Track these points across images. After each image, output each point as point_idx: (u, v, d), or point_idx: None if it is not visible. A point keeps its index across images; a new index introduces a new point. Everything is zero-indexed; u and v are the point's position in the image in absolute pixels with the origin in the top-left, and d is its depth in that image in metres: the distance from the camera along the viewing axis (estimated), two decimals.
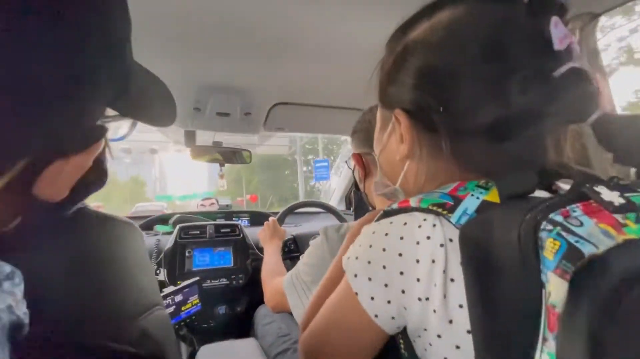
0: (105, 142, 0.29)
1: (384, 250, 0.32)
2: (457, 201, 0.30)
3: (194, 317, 1.08)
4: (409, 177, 0.38)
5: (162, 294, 1.00)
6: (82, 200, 0.29)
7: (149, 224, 1.43)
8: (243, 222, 1.68)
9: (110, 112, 0.27)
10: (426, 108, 0.33)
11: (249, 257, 1.32)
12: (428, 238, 0.30)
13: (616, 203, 0.23)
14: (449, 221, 0.29)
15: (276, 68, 0.89)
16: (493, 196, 0.30)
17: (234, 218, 1.67)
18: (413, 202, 0.33)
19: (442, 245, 0.29)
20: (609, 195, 0.23)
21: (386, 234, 0.32)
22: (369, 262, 0.33)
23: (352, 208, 1.67)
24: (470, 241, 0.27)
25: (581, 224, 0.22)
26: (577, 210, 0.24)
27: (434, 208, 0.30)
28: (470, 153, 0.33)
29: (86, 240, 0.29)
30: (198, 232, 1.30)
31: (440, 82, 0.33)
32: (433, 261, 0.29)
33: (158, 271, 1.18)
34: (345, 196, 1.86)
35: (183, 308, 1.06)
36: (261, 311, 1.20)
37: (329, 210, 1.51)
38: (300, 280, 0.73)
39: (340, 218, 1.47)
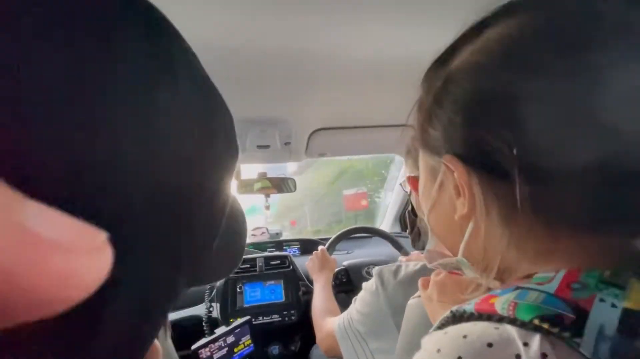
0: None
1: None
2: (581, 313, 0.19)
3: None
4: (475, 243, 0.27)
5: (214, 336, 0.98)
6: None
7: None
8: (293, 251, 1.64)
9: None
10: (488, 148, 0.24)
11: (299, 289, 1.26)
12: None
13: None
14: (578, 350, 0.18)
15: (311, 95, 0.85)
16: (636, 300, 0.19)
17: (284, 247, 1.63)
18: (501, 306, 0.22)
19: None
20: None
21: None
22: None
23: (407, 231, 1.53)
24: None
25: None
26: None
27: (545, 325, 0.19)
28: (564, 207, 0.22)
29: None
30: (248, 266, 1.27)
31: (503, 110, 0.23)
32: None
33: (211, 308, 1.17)
34: (400, 216, 1.72)
35: (235, 350, 1.02)
36: (316, 351, 1.11)
37: (382, 236, 1.39)
38: (354, 329, 0.64)
39: (396, 244, 1.34)
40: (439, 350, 0.22)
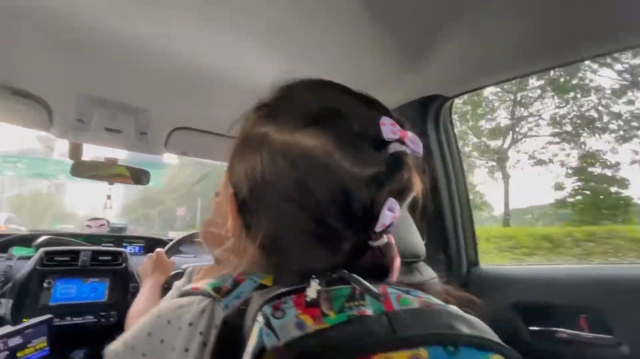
0: None
1: (149, 334, 0.30)
2: (236, 284, 0.31)
3: None
4: (232, 252, 0.36)
5: None
6: None
7: (3, 246, 1.18)
8: (134, 249, 1.51)
9: None
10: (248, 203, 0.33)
11: (129, 291, 1.17)
12: (190, 324, 0.29)
13: (308, 297, 0.25)
14: (220, 305, 0.29)
15: (174, 93, 0.86)
16: (269, 279, 0.31)
17: (124, 244, 1.48)
18: (202, 283, 0.32)
19: (201, 333, 0.28)
20: (314, 287, 0.26)
21: (158, 316, 0.31)
22: (133, 349, 0.31)
23: None
24: (225, 326, 0.27)
25: (283, 316, 0.24)
26: (289, 301, 0.25)
27: (212, 292, 0.30)
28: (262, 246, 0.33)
29: None
30: (68, 258, 1.11)
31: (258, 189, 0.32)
32: (186, 350, 0.28)
33: None
34: None
35: (20, 354, 0.87)
36: None
37: None
38: None
39: None
40: (154, 312, 0.32)
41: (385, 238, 0.30)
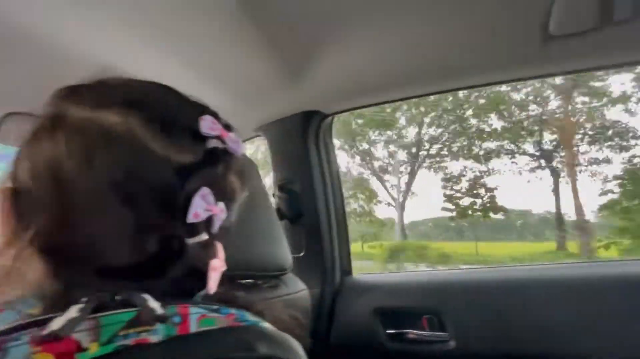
0: None
1: None
2: None
3: None
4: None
5: None
6: None
7: None
8: None
9: None
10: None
11: None
12: None
13: (48, 330, 0.20)
14: None
15: (8, 68, 0.68)
16: (39, 309, 0.24)
17: None
18: None
19: None
20: (67, 316, 0.21)
21: None
22: None
23: None
24: None
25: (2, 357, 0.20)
26: (24, 337, 0.21)
27: None
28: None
29: None
30: None
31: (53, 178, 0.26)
32: None
33: None
34: None
35: None
36: None
37: None
38: None
39: None
40: None
41: (204, 236, 0.27)
